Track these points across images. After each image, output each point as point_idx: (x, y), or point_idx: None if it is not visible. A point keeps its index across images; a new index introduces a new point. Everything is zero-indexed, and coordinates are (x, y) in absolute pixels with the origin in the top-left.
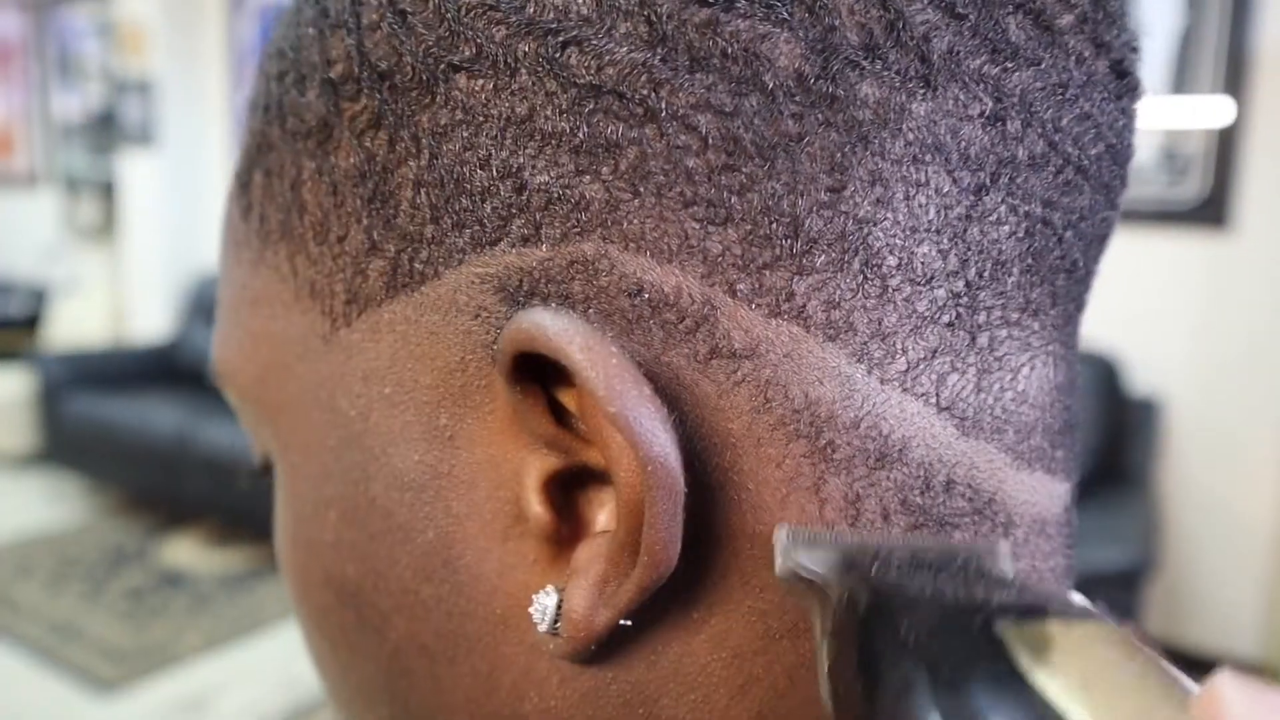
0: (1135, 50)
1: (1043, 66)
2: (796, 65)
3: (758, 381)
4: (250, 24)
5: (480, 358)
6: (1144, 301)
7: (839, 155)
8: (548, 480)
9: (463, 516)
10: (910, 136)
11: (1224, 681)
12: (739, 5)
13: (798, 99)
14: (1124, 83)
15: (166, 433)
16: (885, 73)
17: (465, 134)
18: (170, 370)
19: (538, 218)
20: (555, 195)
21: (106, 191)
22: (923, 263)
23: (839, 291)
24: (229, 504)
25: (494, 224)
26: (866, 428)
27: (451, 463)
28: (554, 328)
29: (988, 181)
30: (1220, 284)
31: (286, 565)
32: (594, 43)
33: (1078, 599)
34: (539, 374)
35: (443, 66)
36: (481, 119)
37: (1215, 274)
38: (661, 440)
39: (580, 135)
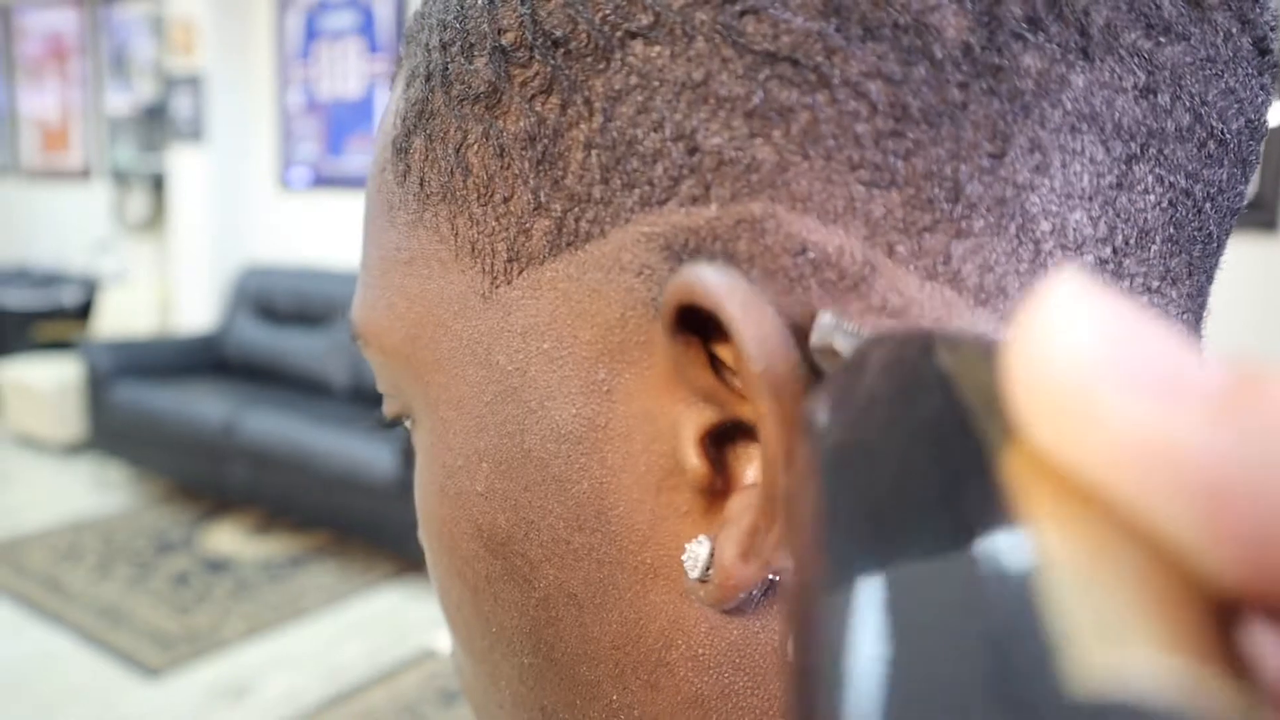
0: (1275, 28)
1: (1192, 41)
2: (963, 36)
3: None
4: (297, 20)
5: (640, 314)
6: None
7: (1001, 123)
8: (704, 434)
9: (617, 468)
10: (1068, 106)
11: (1059, 278)
12: None
13: (964, 69)
14: (1265, 59)
15: (211, 422)
16: (1047, 45)
17: (640, 98)
18: (215, 360)
19: (708, 178)
20: (727, 157)
21: (156, 185)
22: (1075, 229)
23: (994, 255)
24: (272, 493)
25: (664, 184)
26: None
27: (608, 416)
28: (715, 282)
29: (1138, 152)
30: (1271, 287)
31: (429, 517)
32: (770, 11)
33: None
34: (699, 328)
35: (619, 34)
36: (657, 84)
37: (1266, 277)
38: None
39: (755, 100)
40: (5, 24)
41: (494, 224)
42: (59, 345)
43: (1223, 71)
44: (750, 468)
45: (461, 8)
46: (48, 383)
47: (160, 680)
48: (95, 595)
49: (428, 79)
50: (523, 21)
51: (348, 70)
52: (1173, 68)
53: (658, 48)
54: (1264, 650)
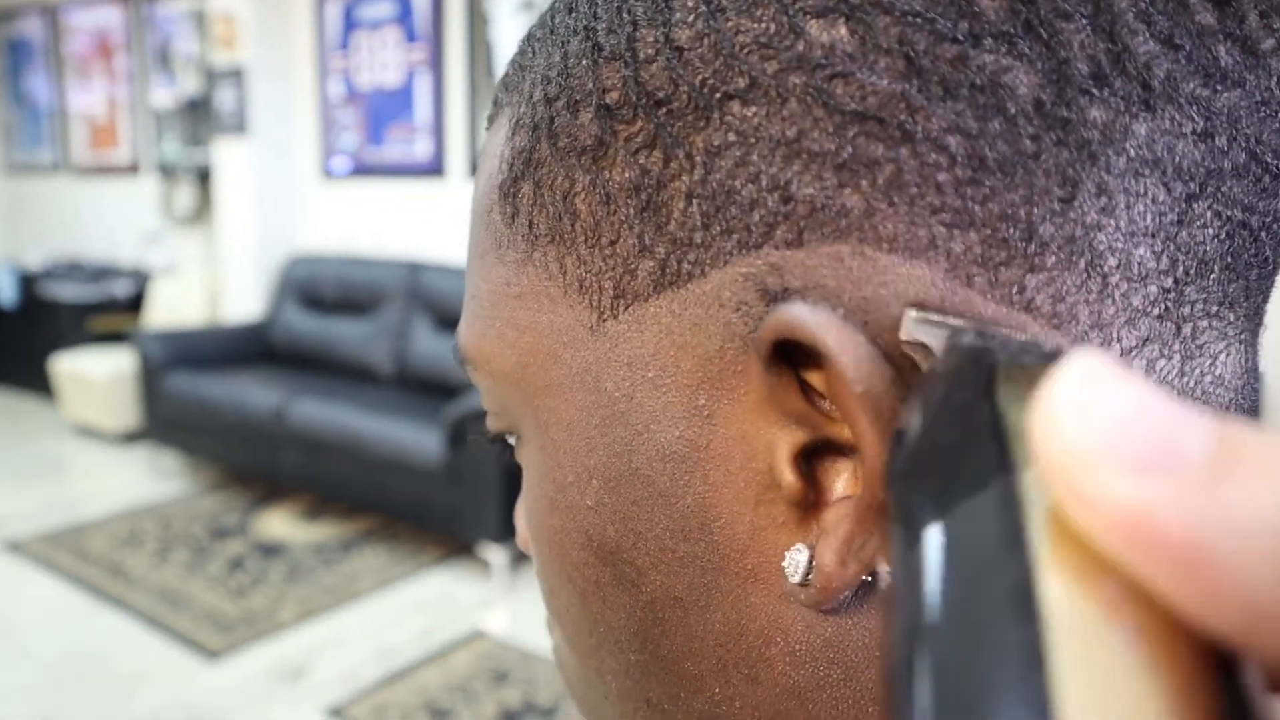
0: None
1: (1247, 87)
2: (1035, 93)
3: None
4: (336, 11)
5: (737, 346)
6: None
7: (1070, 170)
8: (797, 452)
9: (719, 484)
10: (1132, 153)
11: (1078, 358)
12: (985, 42)
13: (1035, 122)
14: None
15: (262, 410)
16: (1111, 98)
17: (738, 153)
18: (263, 348)
19: (801, 224)
20: (819, 204)
21: (201, 178)
22: (1139, 263)
23: (1065, 287)
24: (322, 479)
25: (760, 230)
26: None
27: (709, 438)
28: (811, 319)
29: (1197, 190)
30: None
31: (540, 527)
32: (858, 76)
33: None
34: (789, 359)
35: (718, 95)
36: (753, 140)
37: None
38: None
39: (844, 154)
40: (53, 23)
41: (600, 264)
42: (113, 337)
43: (1276, 111)
44: (838, 481)
45: (565, 65)
46: (103, 373)
47: (221, 662)
48: (156, 580)
49: (534, 130)
50: (626, 82)
51: (386, 60)
52: (1229, 112)
53: (754, 108)
54: (1253, 689)
